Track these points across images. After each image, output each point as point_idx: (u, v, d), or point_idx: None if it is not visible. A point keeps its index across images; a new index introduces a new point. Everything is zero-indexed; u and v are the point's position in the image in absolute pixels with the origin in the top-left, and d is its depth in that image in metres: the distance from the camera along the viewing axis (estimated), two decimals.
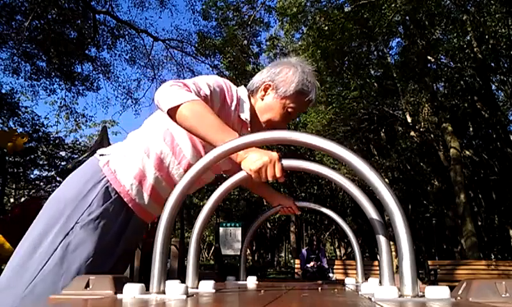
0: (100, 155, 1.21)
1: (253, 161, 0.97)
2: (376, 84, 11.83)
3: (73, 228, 1.09)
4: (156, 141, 1.20)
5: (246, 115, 1.28)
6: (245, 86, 1.38)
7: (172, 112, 1.05)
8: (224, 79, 1.28)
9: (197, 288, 0.89)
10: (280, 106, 1.29)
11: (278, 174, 0.96)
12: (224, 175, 1.48)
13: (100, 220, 1.12)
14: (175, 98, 1.04)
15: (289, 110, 1.29)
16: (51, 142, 15.38)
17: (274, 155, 0.98)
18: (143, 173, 1.19)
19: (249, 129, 1.31)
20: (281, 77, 1.28)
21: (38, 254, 1.07)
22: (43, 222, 1.12)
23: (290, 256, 25.51)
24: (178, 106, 1.03)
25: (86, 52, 12.33)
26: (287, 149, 12.58)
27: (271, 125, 1.31)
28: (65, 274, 1.06)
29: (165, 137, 1.21)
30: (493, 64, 11.40)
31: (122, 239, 1.19)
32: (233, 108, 1.25)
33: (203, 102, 1.07)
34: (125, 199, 1.17)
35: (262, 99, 1.30)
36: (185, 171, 1.22)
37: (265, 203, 15.07)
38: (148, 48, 13.48)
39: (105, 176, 1.16)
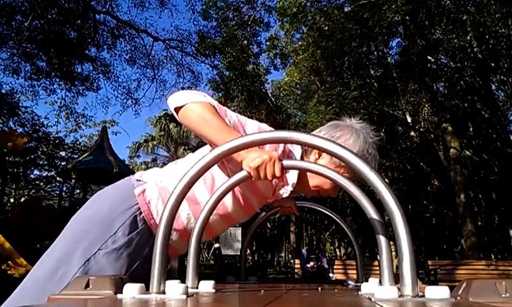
0: (137, 180, 1.18)
1: (252, 159, 0.97)
2: (375, 84, 11.82)
3: (95, 253, 1.06)
4: (197, 182, 1.16)
5: (293, 179, 1.19)
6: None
7: (178, 111, 1.05)
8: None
9: (197, 288, 0.88)
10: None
11: (277, 174, 0.96)
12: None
13: (124, 251, 1.08)
14: (183, 98, 1.04)
15: None
16: (51, 142, 15.38)
17: (275, 153, 0.98)
18: (178, 212, 1.16)
19: (289, 188, 1.21)
20: (340, 141, 1.18)
21: (57, 278, 1.03)
22: (66, 241, 1.09)
23: (290, 256, 25.51)
24: (184, 105, 1.03)
25: (86, 52, 12.33)
26: None
27: (318, 191, 1.23)
28: None
29: (206, 179, 1.16)
30: (493, 64, 11.39)
31: (145, 269, 1.16)
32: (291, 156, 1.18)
33: (210, 104, 1.05)
34: (154, 232, 1.14)
35: (315, 162, 1.19)
36: (220, 216, 1.21)
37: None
38: (148, 48, 13.49)
39: (137, 204, 1.12)
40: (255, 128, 1.15)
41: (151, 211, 1.13)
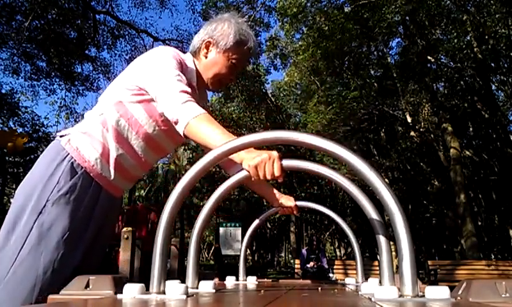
0: (61, 136, 1.24)
1: (252, 158, 0.97)
2: (376, 84, 11.82)
3: (45, 205, 1.10)
4: (111, 115, 1.23)
5: (192, 80, 1.33)
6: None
7: (186, 132, 1.12)
8: (174, 49, 1.31)
9: (197, 288, 0.89)
10: (224, 59, 1.34)
11: (276, 173, 0.96)
12: (226, 176, 1.48)
13: (70, 195, 1.14)
14: (183, 115, 1.11)
15: (233, 61, 1.35)
16: (51, 142, 15.37)
17: (274, 153, 0.98)
18: (105, 147, 1.21)
19: (197, 92, 1.35)
20: (218, 32, 1.34)
21: (13, 239, 1.08)
22: (14, 208, 1.14)
23: (290, 256, 25.51)
24: (186, 125, 1.10)
25: (86, 52, 12.33)
26: (287, 150, 12.58)
27: (218, 79, 1.36)
28: (44, 252, 1.07)
29: (118, 109, 1.23)
30: (493, 64, 11.39)
31: (95, 213, 1.20)
32: (186, 77, 1.29)
33: (204, 115, 1.11)
34: (91, 174, 1.19)
35: (206, 57, 1.36)
36: (144, 141, 1.27)
37: (265, 203, 15.07)
38: (148, 48, 13.47)
39: (68, 154, 1.18)
40: (176, 67, 1.22)
41: (82, 155, 1.19)
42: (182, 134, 1.13)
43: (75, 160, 1.18)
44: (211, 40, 1.34)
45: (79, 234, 1.15)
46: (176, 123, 1.13)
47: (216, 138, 1.05)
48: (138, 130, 1.24)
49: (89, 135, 1.21)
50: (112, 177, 1.23)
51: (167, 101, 1.15)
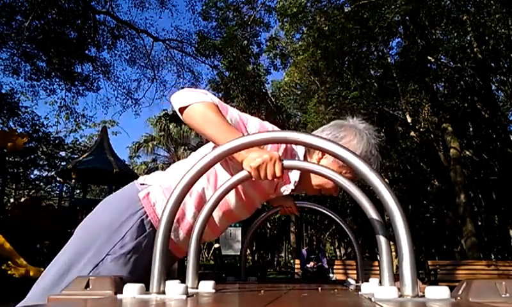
0: (141, 184, 1.18)
1: (253, 158, 0.97)
2: (375, 84, 11.82)
3: (103, 259, 1.06)
4: (200, 180, 1.13)
5: (295, 177, 1.20)
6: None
7: (182, 111, 1.06)
8: (277, 129, 1.17)
9: (197, 288, 0.88)
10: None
11: (278, 173, 0.96)
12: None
13: (132, 256, 1.08)
14: (187, 98, 1.05)
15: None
16: (51, 142, 15.39)
17: (275, 154, 0.98)
18: (183, 211, 1.15)
19: (290, 186, 1.23)
20: (343, 144, 1.16)
21: (64, 284, 1.03)
22: (74, 248, 1.09)
23: (290, 256, 25.51)
24: (188, 106, 1.04)
25: (86, 52, 12.34)
26: None
27: (319, 190, 1.24)
28: None
29: (209, 177, 1.16)
30: (493, 64, 11.39)
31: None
32: (292, 155, 1.18)
33: (213, 104, 1.06)
34: None
35: (318, 162, 1.21)
36: (224, 213, 1.21)
37: (265, 203, 15.04)
38: (148, 48, 13.50)
39: (142, 208, 1.12)
40: (257, 126, 1.15)
41: (157, 214, 1.13)
42: (178, 112, 1.07)
43: (146, 217, 1.12)
44: None
45: None
46: (176, 101, 1.06)
47: (220, 132, 1.01)
48: (222, 203, 1.14)
49: (169, 193, 1.13)
50: (180, 240, 1.17)
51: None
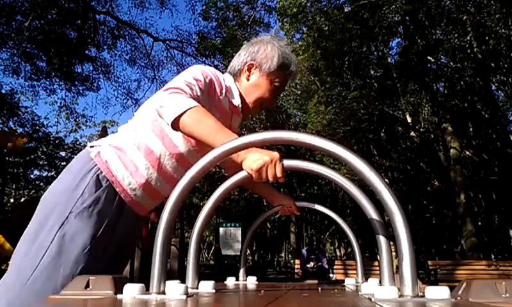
0: (91, 147, 1.22)
1: (254, 160, 0.97)
2: (375, 84, 11.82)
3: (67, 217, 1.09)
4: (145, 133, 1.21)
5: (237, 101, 1.30)
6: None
7: (175, 124, 1.07)
8: (211, 68, 1.29)
9: (197, 288, 0.89)
10: (266, 82, 1.32)
11: (278, 174, 0.96)
12: (226, 174, 1.48)
13: (94, 208, 1.12)
14: (175, 108, 1.06)
15: (276, 84, 1.33)
16: (51, 142, 15.38)
17: (276, 154, 0.98)
18: (135, 165, 1.19)
19: (240, 115, 1.34)
20: (261, 55, 1.31)
21: (35, 248, 1.07)
22: (38, 218, 1.13)
23: (290, 256, 25.51)
24: (179, 116, 1.05)
25: (86, 52, 12.34)
26: (287, 149, 12.58)
27: (260, 103, 1.34)
28: (64, 265, 1.06)
29: (153, 128, 1.21)
30: (493, 64, 11.38)
31: (117, 228, 1.19)
32: (223, 96, 1.26)
33: (201, 107, 1.08)
34: (117, 189, 1.17)
35: (248, 79, 1.33)
36: (177, 161, 1.24)
37: (265, 203, 15.08)
38: (148, 48, 13.51)
39: (95, 165, 1.16)
40: (200, 79, 1.19)
41: (110, 169, 1.17)
42: (169, 124, 1.08)
43: (101, 172, 1.15)
44: (254, 63, 1.31)
45: (100, 249, 1.13)
46: (166, 114, 1.07)
47: (215, 133, 1.03)
48: (172, 151, 1.22)
49: (120, 150, 1.19)
50: (138, 195, 1.21)
51: (158, 96, 1.12)
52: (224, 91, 1.27)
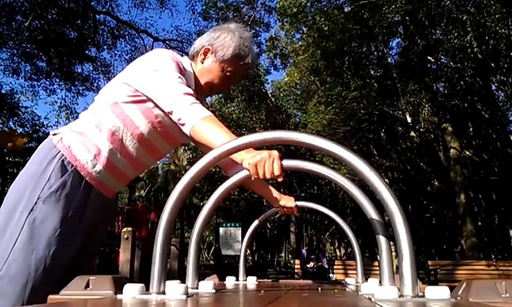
0: (53, 134, 1.24)
1: (251, 155, 0.98)
2: (375, 84, 11.82)
3: (36, 203, 1.11)
4: (106, 115, 1.23)
5: (190, 83, 1.32)
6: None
7: (191, 132, 1.12)
8: (173, 52, 1.32)
9: (197, 288, 0.89)
10: (218, 69, 1.34)
11: (276, 172, 0.96)
12: (226, 176, 1.48)
13: (61, 192, 1.14)
14: (191, 117, 1.12)
15: (227, 73, 1.35)
16: None
17: (274, 152, 0.98)
18: (97, 147, 1.21)
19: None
20: (219, 42, 1.34)
21: (6, 236, 1.09)
22: (7, 206, 1.15)
23: (290, 256, 25.51)
24: (192, 126, 1.11)
25: (86, 52, 12.34)
26: (287, 149, 12.58)
27: (210, 88, 1.37)
28: (36, 249, 1.08)
29: (114, 110, 1.23)
30: (493, 64, 11.38)
31: (87, 211, 1.21)
32: (185, 79, 1.29)
33: (213, 116, 1.14)
34: (82, 173, 1.19)
35: (202, 62, 1.36)
36: (139, 142, 1.26)
37: (265, 203, 15.07)
38: (148, 48, 13.47)
39: (59, 152, 1.18)
40: (176, 69, 1.22)
41: (73, 154, 1.19)
42: (188, 134, 1.14)
43: (65, 158, 1.18)
44: (210, 48, 1.34)
45: (70, 232, 1.15)
46: (182, 124, 1.14)
47: (221, 140, 1.04)
48: (133, 132, 1.24)
49: (82, 134, 1.22)
50: (103, 177, 1.23)
51: (173, 102, 1.16)
52: (185, 74, 1.31)
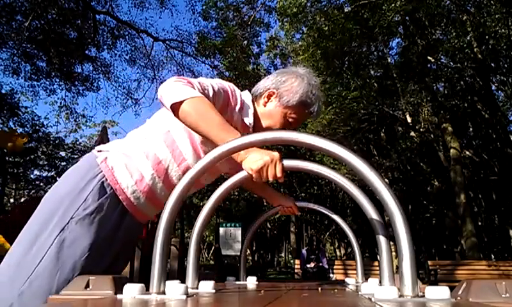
0: (98, 151, 1.21)
1: (254, 161, 0.97)
2: (375, 84, 11.82)
3: (68, 223, 1.09)
4: (156, 143, 1.20)
5: (249, 120, 1.28)
6: (249, 90, 1.38)
7: (175, 108, 1.06)
8: (229, 83, 1.28)
9: (197, 288, 0.89)
10: (281, 115, 1.30)
11: (278, 175, 0.96)
12: (225, 176, 1.48)
13: (96, 216, 1.11)
14: (179, 93, 1.05)
15: (290, 119, 1.30)
16: (51, 142, 15.38)
17: (276, 154, 0.98)
18: (141, 174, 1.18)
19: (250, 130, 1.31)
20: (286, 87, 1.29)
21: (34, 251, 1.06)
22: (39, 218, 1.12)
23: (290, 256, 25.51)
24: (182, 102, 1.04)
25: (86, 52, 12.33)
26: (287, 149, 12.58)
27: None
28: (60, 270, 1.05)
29: (165, 139, 1.20)
30: (493, 64, 11.38)
31: (117, 236, 1.18)
32: (236, 111, 1.25)
33: (206, 99, 1.08)
34: (120, 197, 1.16)
35: (265, 105, 1.31)
36: (183, 173, 1.21)
37: (265, 203, 15.07)
38: (148, 48, 13.48)
39: (101, 171, 1.15)
40: (214, 86, 1.18)
41: (115, 176, 1.16)
42: (169, 108, 1.07)
43: (106, 180, 1.15)
44: (275, 91, 1.30)
45: (98, 257, 1.12)
46: (167, 98, 1.06)
47: (217, 128, 1.02)
48: (180, 163, 1.21)
49: (128, 158, 1.18)
50: (140, 204, 1.20)
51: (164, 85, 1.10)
52: (238, 106, 1.25)
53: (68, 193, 1.12)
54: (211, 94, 1.15)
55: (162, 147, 1.19)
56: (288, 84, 1.29)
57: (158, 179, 1.20)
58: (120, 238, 1.19)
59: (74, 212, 1.10)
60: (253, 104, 1.32)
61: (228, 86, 1.25)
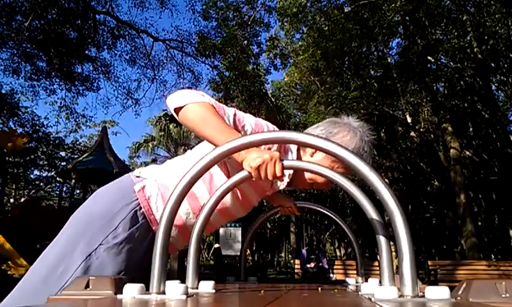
0: (137, 177, 1.19)
1: (253, 158, 0.97)
2: (375, 84, 11.82)
3: (96, 249, 1.07)
4: None
5: (288, 170, 1.21)
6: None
7: (178, 112, 1.06)
8: (274, 126, 1.22)
9: (197, 288, 0.88)
10: (328, 168, 1.26)
11: (278, 173, 0.96)
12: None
13: (124, 245, 1.09)
14: (184, 98, 1.05)
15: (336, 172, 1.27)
16: (51, 142, 15.39)
17: (276, 153, 0.98)
18: None
19: (285, 182, 1.25)
20: (337, 139, 1.22)
21: (60, 270, 1.04)
22: (68, 237, 1.09)
23: (290, 256, 25.51)
24: (185, 106, 1.04)
25: (86, 52, 12.33)
26: None
27: (311, 184, 1.26)
28: None
29: (204, 177, 1.15)
30: (493, 64, 11.39)
31: (143, 265, 1.15)
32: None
33: (210, 105, 1.06)
34: (153, 227, 1.14)
35: (312, 155, 1.25)
36: (220, 213, 1.22)
37: (265, 203, 15.07)
38: (148, 48, 13.48)
39: (137, 199, 1.13)
40: (252, 123, 1.17)
41: (150, 207, 1.14)
42: (173, 113, 1.07)
43: (140, 208, 1.12)
44: None
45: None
46: (171, 102, 1.05)
47: (219, 132, 1.01)
48: None
49: (165, 189, 1.15)
50: (172, 236, 1.17)
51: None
52: (275, 147, 1.18)
53: (99, 216, 1.10)
54: (230, 120, 1.11)
55: (200, 184, 1.16)
56: (339, 136, 1.23)
57: (192, 215, 1.18)
58: (146, 266, 1.15)
59: (103, 239, 1.07)
60: (298, 153, 1.26)
61: (267, 125, 1.19)
